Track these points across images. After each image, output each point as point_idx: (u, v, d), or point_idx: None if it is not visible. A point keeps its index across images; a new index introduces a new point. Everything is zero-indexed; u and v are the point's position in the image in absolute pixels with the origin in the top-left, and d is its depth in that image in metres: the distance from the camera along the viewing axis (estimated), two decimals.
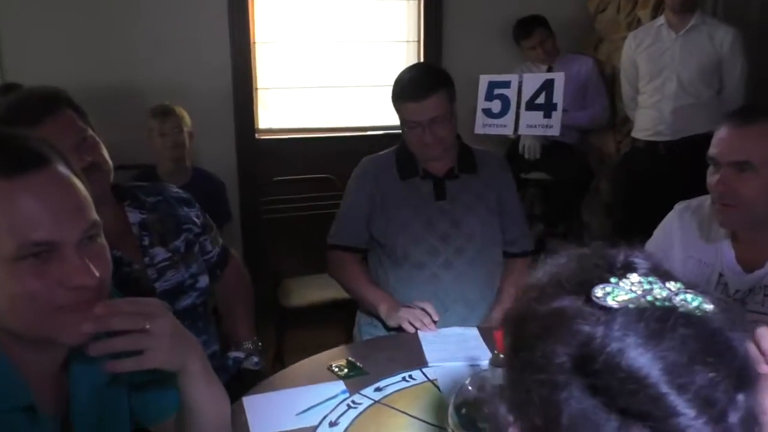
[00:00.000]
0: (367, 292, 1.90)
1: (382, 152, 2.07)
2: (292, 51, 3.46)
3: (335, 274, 2.06)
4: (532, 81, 3.20)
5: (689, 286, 0.54)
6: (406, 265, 1.92)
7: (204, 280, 1.64)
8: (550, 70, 3.41)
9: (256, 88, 3.45)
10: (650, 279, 0.54)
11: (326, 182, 3.09)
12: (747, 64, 2.77)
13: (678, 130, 2.82)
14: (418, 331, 1.72)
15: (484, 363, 1.54)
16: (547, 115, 3.21)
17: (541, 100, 3.19)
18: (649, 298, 0.53)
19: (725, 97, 2.83)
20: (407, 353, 1.61)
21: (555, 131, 3.20)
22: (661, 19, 2.88)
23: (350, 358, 1.58)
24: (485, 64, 3.47)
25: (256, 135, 3.49)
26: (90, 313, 0.82)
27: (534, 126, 3.20)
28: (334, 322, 2.99)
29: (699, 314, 0.53)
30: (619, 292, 0.53)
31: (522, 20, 3.39)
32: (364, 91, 3.58)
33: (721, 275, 1.50)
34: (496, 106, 3.16)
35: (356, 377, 1.51)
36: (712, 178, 1.40)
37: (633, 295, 0.53)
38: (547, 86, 3.19)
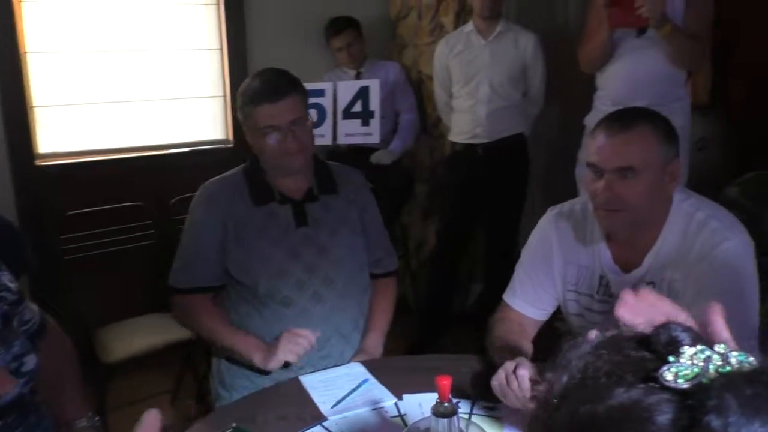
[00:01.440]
0: (233, 342, 1.67)
1: (227, 174, 1.83)
2: (75, 62, 2.99)
3: (185, 322, 1.81)
4: (347, 89, 3.14)
5: (726, 342, 0.52)
6: (271, 303, 1.70)
7: (31, 362, 1.28)
8: (358, 75, 3.37)
9: (32, 106, 2.93)
10: (699, 348, 0.51)
11: (135, 210, 2.71)
12: (546, 67, 2.96)
13: (494, 132, 2.93)
14: (302, 379, 1.53)
15: (387, 405, 1.41)
16: (366, 123, 3.17)
17: (357, 108, 3.14)
18: (711, 367, 0.49)
19: (530, 99, 3.00)
20: (298, 407, 1.42)
21: (375, 139, 3.18)
22: (469, 26, 2.96)
23: (236, 424, 1.34)
24: (294, 72, 3.33)
25: (36, 161, 2.96)
26: None
27: (353, 135, 3.14)
28: (161, 366, 2.64)
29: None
30: (685, 370, 0.49)
31: (334, 19, 3.32)
32: (165, 105, 3.23)
33: (602, 277, 1.52)
34: (311, 115, 3.03)
35: None
36: (595, 185, 1.40)
37: (698, 369, 0.49)
38: (363, 94, 3.15)
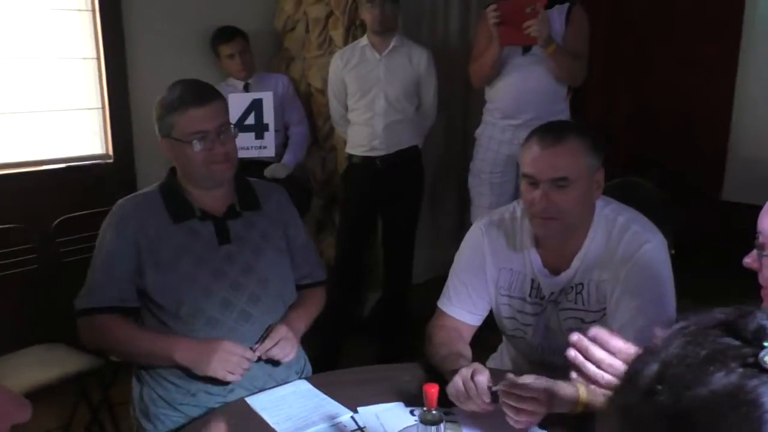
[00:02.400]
0: (152, 344, 1.60)
1: (141, 192, 1.74)
2: None
3: (97, 342, 1.69)
4: (239, 101, 3.07)
5: None
6: (196, 323, 1.63)
7: None
8: (247, 87, 3.31)
9: None
10: None
11: (15, 233, 2.47)
12: (439, 82, 3.07)
13: (391, 144, 2.99)
14: (249, 401, 1.48)
15: (344, 419, 1.41)
16: (260, 136, 3.12)
17: (251, 120, 3.09)
18: None
19: (423, 113, 3.10)
20: (253, 430, 1.37)
21: (270, 152, 3.14)
22: (364, 40, 3.01)
23: None
24: None
25: None
26: None
27: (247, 148, 3.08)
28: (49, 401, 2.42)
29: None
30: None
31: (223, 27, 3.25)
32: (37, 118, 2.96)
33: (533, 280, 1.62)
34: None
35: None
36: (531, 194, 1.49)
37: None
38: (256, 106, 3.10)
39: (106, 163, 3.16)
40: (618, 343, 0.97)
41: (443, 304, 1.70)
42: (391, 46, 2.96)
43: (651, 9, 3.88)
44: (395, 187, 3.04)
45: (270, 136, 3.10)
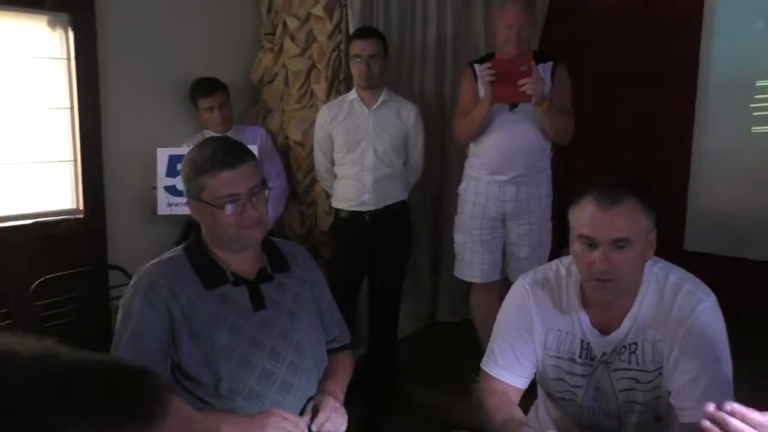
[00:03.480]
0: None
1: (165, 257, 1.62)
2: None
3: None
4: None
5: None
6: (237, 398, 1.52)
7: None
8: None
9: None
10: None
11: None
12: (426, 137, 3.07)
13: (380, 199, 2.95)
14: None
15: None
16: None
17: None
18: None
19: (411, 167, 3.08)
20: None
21: None
22: (353, 94, 2.98)
23: None
24: (156, 135, 3.10)
25: None
26: None
27: None
28: None
29: None
30: None
31: (203, 79, 3.16)
32: (6, 170, 2.77)
33: (582, 340, 1.60)
34: (180, 182, 2.82)
35: None
36: (589, 257, 1.47)
37: None
38: None
39: (76, 219, 2.98)
40: (755, 416, 0.95)
41: (488, 366, 1.65)
42: (380, 100, 2.95)
43: (611, 60, 4.02)
44: (385, 242, 2.99)
45: None
